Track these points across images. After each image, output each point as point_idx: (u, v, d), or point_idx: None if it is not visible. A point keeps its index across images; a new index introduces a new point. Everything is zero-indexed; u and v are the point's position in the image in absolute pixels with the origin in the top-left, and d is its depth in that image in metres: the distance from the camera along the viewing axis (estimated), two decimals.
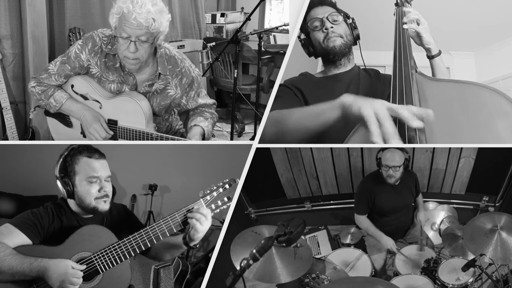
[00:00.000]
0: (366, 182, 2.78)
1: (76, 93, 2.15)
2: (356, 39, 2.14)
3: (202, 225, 1.74)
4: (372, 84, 2.13)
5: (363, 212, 2.71)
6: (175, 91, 2.18)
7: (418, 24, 2.02)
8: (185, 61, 2.21)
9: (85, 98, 2.16)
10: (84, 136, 2.22)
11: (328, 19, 2.08)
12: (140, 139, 2.13)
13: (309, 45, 2.17)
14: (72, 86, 2.17)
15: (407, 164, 2.61)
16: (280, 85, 2.16)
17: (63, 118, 2.26)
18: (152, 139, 2.10)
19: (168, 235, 1.79)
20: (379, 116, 1.43)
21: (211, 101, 2.36)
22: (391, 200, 2.66)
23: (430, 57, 2.08)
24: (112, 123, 2.16)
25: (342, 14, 2.11)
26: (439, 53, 2.07)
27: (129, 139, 2.15)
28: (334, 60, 2.14)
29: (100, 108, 2.16)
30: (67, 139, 2.31)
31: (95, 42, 2.08)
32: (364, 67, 2.22)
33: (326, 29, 2.08)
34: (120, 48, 1.98)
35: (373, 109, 1.44)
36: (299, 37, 2.20)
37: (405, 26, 2.01)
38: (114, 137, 2.18)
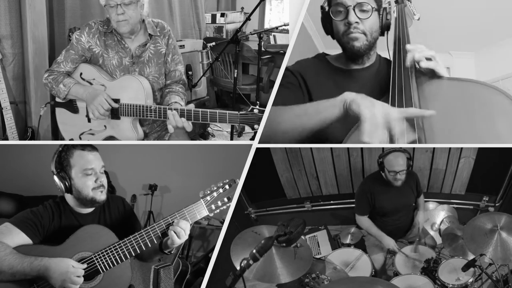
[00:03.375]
0: (366, 183, 2.77)
1: (84, 80, 2.36)
2: (384, 29, 1.85)
3: (179, 239, 1.78)
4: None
5: (364, 213, 2.71)
6: (165, 49, 2.42)
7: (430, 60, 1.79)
8: (169, 27, 2.48)
9: (91, 84, 2.35)
10: (89, 121, 2.38)
11: (355, 10, 1.74)
12: (140, 113, 2.25)
13: (329, 24, 1.86)
14: (81, 74, 2.37)
15: (410, 164, 2.61)
16: (288, 69, 1.99)
17: (71, 105, 2.43)
18: (151, 112, 2.22)
19: (168, 235, 1.79)
20: (376, 120, 1.43)
21: (185, 80, 2.58)
22: (392, 201, 2.66)
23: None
24: (114, 102, 2.29)
25: (376, 0, 1.76)
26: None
27: (130, 115, 2.28)
28: (351, 58, 1.92)
29: (105, 90, 2.32)
30: (73, 128, 2.45)
31: (91, 26, 2.34)
32: (384, 59, 2.01)
33: (349, 23, 1.76)
34: (112, 16, 2.24)
35: (372, 111, 1.44)
36: (322, 7, 1.89)
37: (422, 65, 1.76)
38: (116, 115, 2.30)
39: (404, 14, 2.07)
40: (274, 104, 1.96)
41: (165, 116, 2.19)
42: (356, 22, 1.76)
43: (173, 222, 1.79)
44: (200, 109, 2.14)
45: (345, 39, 1.82)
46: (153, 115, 2.23)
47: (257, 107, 2.06)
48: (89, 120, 2.39)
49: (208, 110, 2.14)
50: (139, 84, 2.29)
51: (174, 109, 2.15)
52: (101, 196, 1.81)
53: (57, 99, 2.44)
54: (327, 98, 1.85)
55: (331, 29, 1.88)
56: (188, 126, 2.15)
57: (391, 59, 1.91)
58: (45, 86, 2.40)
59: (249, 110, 2.06)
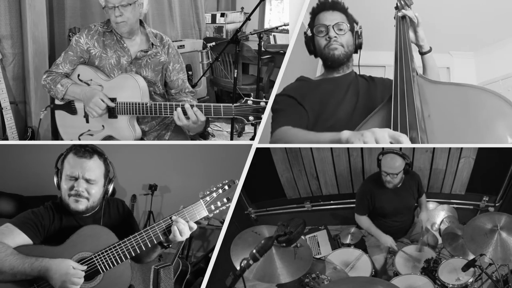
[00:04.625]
0: (367, 184, 2.76)
1: (81, 81, 2.38)
2: (357, 48, 2.15)
3: (181, 236, 1.79)
4: (370, 87, 2.15)
5: (363, 213, 2.72)
6: (164, 58, 2.45)
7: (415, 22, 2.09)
8: (168, 37, 2.52)
9: (89, 85, 2.37)
10: (87, 121, 2.40)
11: (333, 28, 2.09)
12: (136, 111, 2.27)
13: (312, 44, 2.18)
14: (79, 75, 2.39)
15: (408, 169, 2.59)
16: (281, 95, 2.14)
17: (69, 107, 2.44)
18: (147, 110, 2.24)
19: (168, 235, 1.80)
20: (378, 141, 1.54)
21: (191, 88, 2.60)
22: (392, 203, 2.65)
23: (422, 54, 2.13)
24: (111, 101, 2.31)
25: (349, 23, 2.12)
26: (430, 49, 2.14)
27: (127, 113, 2.30)
28: (332, 67, 2.16)
29: (102, 90, 2.33)
30: (72, 130, 2.45)
31: (91, 28, 2.39)
32: (359, 74, 2.24)
33: (329, 37, 2.09)
34: (111, 18, 2.29)
35: (373, 135, 1.54)
36: (305, 33, 2.20)
37: (399, 14, 2.08)
38: (113, 114, 2.32)
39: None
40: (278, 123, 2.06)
41: (160, 113, 2.21)
42: (335, 37, 2.10)
43: (176, 220, 1.79)
44: (195, 103, 2.16)
45: (326, 51, 2.12)
46: (148, 112, 2.24)
47: (251, 98, 2.08)
48: (87, 121, 2.40)
49: (203, 104, 2.15)
50: (134, 82, 2.30)
51: (175, 105, 2.16)
52: (78, 205, 1.77)
53: (56, 102, 2.45)
54: (322, 110, 2.04)
55: (314, 48, 2.18)
56: (202, 117, 2.15)
57: (393, 64, 1.94)
58: (44, 87, 2.41)
59: (243, 101, 2.08)
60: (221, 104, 2.10)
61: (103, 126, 2.38)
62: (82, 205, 1.78)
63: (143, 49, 2.38)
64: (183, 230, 1.78)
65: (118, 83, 2.33)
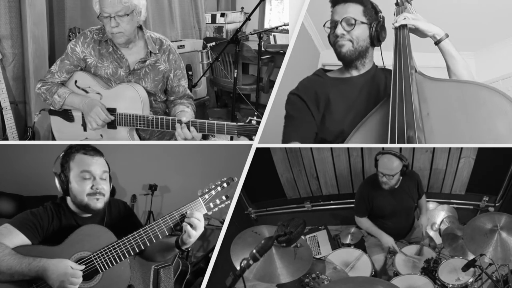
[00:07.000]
0: (364, 186, 2.73)
1: (79, 88, 2.32)
2: (373, 40, 2.01)
3: (195, 230, 1.76)
4: (386, 88, 2.07)
5: (363, 215, 2.71)
6: (165, 66, 2.36)
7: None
8: (168, 41, 2.42)
9: (87, 92, 2.32)
10: (85, 130, 2.35)
11: (341, 24, 1.97)
12: (137, 123, 2.23)
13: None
14: (76, 81, 2.33)
15: (405, 171, 2.54)
16: (294, 94, 2.09)
17: (66, 114, 2.39)
18: (148, 122, 2.20)
19: (167, 234, 1.80)
20: None
21: (190, 94, 2.55)
22: (390, 204, 2.64)
23: (436, 43, 1.98)
24: (110, 111, 2.27)
25: (366, 15, 1.98)
26: (446, 36, 1.96)
27: (127, 125, 2.26)
28: (345, 64, 2.08)
29: (101, 99, 2.28)
30: (68, 136, 2.42)
31: (86, 35, 2.30)
32: (383, 67, 2.13)
33: (336, 35, 1.99)
34: (106, 27, 2.19)
35: None
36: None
37: (396, 25, 1.99)
38: (113, 125, 2.28)
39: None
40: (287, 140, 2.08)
41: (162, 126, 2.17)
42: (342, 34, 1.99)
43: (183, 217, 1.78)
44: (198, 120, 2.14)
45: (335, 47, 2.04)
46: (149, 126, 2.19)
47: (255, 118, 2.06)
48: (85, 129, 2.36)
49: (206, 121, 2.13)
50: (135, 92, 2.25)
51: (178, 121, 2.13)
52: (97, 203, 1.77)
53: (52, 107, 2.41)
54: (331, 112, 2.03)
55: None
56: (198, 136, 2.13)
57: (392, 61, 1.93)
58: (39, 96, 2.35)
59: (247, 121, 2.06)
60: (225, 123, 2.09)
61: (101, 135, 2.34)
62: (100, 203, 1.79)
63: (140, 59, 2.30)
64: (197, 224, 1.75)
65: (117, 92, 2.27)
